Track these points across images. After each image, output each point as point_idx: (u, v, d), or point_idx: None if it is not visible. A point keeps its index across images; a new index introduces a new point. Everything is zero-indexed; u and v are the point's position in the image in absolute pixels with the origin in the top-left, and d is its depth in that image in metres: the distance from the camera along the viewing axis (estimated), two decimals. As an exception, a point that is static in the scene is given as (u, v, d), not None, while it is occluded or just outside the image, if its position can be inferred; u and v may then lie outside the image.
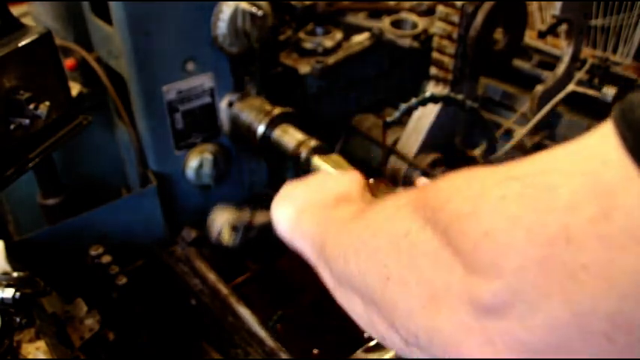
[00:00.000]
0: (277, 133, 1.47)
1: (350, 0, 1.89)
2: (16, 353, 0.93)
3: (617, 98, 1.68)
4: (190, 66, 1.44)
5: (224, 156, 1.61)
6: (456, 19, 1.53)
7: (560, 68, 1.70)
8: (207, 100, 1.52)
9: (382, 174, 1.72)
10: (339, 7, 1.85)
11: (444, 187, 0.46)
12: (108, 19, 1.38)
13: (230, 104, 1.56)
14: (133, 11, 1.29)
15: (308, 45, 1.75)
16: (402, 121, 1.63)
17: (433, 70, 1.66)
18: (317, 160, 1.30)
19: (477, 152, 1.75)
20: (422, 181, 1.02)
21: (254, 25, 1.41)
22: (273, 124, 1.48)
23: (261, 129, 1.47)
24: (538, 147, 1.79)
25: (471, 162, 1.68)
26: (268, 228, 0.90)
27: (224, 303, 1.39)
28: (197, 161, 1.55)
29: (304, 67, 1.69)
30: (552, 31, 1.64)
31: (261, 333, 1.27)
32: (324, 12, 1.82)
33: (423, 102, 1.46)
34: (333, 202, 0.74)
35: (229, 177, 1.67)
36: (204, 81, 1.49)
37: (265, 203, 0.85)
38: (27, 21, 1.26)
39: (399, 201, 0.52)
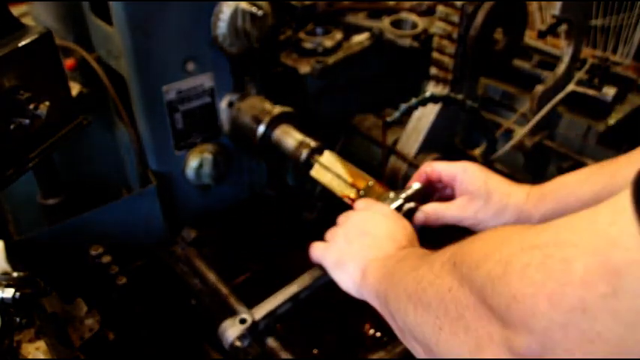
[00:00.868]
0: (277, 134, 1.48)
1: (350, 0, 1.89)
2: (16, 353, 0.93)
3: (617, 98, 1.69)
4: (190, 66, 1.44)
5: (224, 156, 1.61)
6: (456, 19, 1.53)
7: (560, 68, 1.70)
8: (207, 100, 1.52)
9: (382, 174, 1.72)
10: (339, 7, 1.86)
11: (477, 246, 0.55)
12: (108, 19, 1.38)
13: (230, 104, 1.56)
14: (133, 11, 1.29)
15: (308, 45, 1.75)
16: (402, 121, 1.63)
17: (433, 70, 1.66)
18: (317, 164, 1.30)
19: (477, 152, 1.75)
20: (415, 186, 1.03)
21: (254, 25, 1.41)
22: (273, 124, 1.48)
23: (261, 129, 1.47)
24: (538, 147, 1.79)
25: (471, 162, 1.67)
26: (272, 314, 0.97)
27: (224, 303, 1.39)
28: (197, 161, 1.55)
29: (304, 67, 1.69)
30: (552, 31, 1.64)
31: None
32: (324, 12, 1.82)
33: (423, 102, 1.46)
34: (390, 256, 0.81)
35: (229, 177, 1.67)
36: (204, 81, 1.49)
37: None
38: (27, 21, 1.26)
39: (442, 256, 0.61)
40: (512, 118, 1.85)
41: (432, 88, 1.68)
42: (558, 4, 1.55)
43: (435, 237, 1.04)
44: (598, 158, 1.63)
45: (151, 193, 1.49)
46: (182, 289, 1.51)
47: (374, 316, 0.86)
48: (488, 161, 1.70)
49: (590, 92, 1.68)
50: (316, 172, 1.29)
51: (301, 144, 1.39)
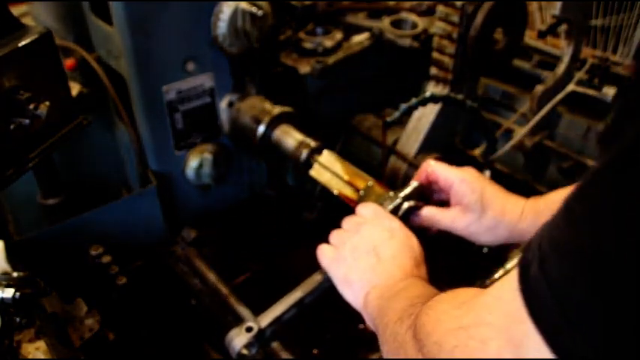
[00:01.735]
0: (277, 134, 1.48)
1: (350, 0, 1.89)
2: (16, 353, 0.93)
3: (617, 98, 1.68)
4: (190, 66, 1.44)
5: (224, 156, 1.61)
6: (456, 19, 1.52)
7: (560, 68, 1.70)
8: (207, 100, 1.52)
9: (382, 174, 1.72)
10: (339, 7, 1.86)
11: (426, 322, 0.64)
12: (108, 19, 1.38)
13: (230, 104, 1.56)
14: (133, 11, 1.29)
15: (308, 45, 1.75)
16: (402, 121, 1.63)
17: (433, 70, 1.66)
18: (316, 164, 1.30)
19: (477, 152, 1.75)
20: (413, 184, 1.03)
21: (254, 25, 1.41)
22: (273, 124, 1.48)
23: (261, 129, 1.48)
24: (538, 147, 1.79)
25: (471, 162, 1.68)
26: (277, 321, 0.98)
27: (224, 303, 1.39)
28: (197, 161, 1.55)
29: (304, 67, 1.69)
30: (552, 31, 1.64)
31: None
32: (324, 12, 1.82)
33: (423, 102, 1.46)
34: (389, 287, 0.85)
35: (229, 177, 1.67)
36: (204, 81, 1.49)
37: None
38: (27, 21, 1.26)
39: (409, 320, 0.69)
40: (512, 118, 1.85)
41: (432, 88, 1.68)
42: (558, 4, 1.55)
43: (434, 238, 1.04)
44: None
45: (151, 193, 1.49)
46: (182, 289, 1.51)
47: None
48: (488, 161, 1.70)
49: (590, 92, 1.68)
50: (316, 172, 1.29)
51: (301, 144, 1.39)
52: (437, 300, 0.67)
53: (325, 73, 1.67)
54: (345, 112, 1.92)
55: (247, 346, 0.95)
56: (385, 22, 1.79)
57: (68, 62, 1.56)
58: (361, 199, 1.13)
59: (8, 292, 0.90)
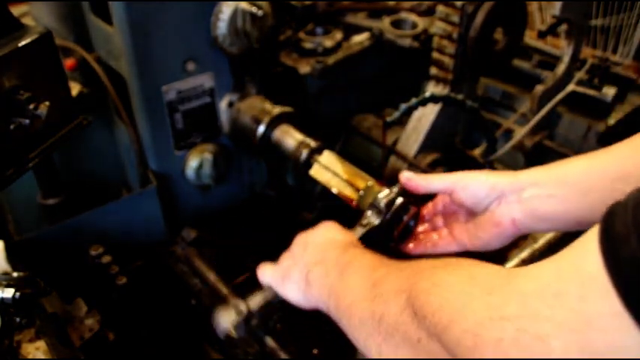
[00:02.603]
0: (277, 134, 1.47)
1: (350, 0, 1.89)
2: (16, 353, 0.93)
3: (617, 98, 1.69)
4: (190, 66, 1.44)
5: (224, 156, 1.61)
6: (456, 19, 1.53)
7: (560, 68, 1.70)
8: (207, 100, 1.52)
9: (382, 174, 1.72)
10: (339, 7, 1.86)
11: (437, 301, 0.55)
12: (108, 19, 1.38)
13: (230, 104, 1.56)
14: (133, 11, 1.29)
15: (308, 45, 1.75)
16: (402, 121, 1.63)
17: (433, 70, 1.66)
18: (316, 164, 1.30)
19: (477, 152, 1.75)
20: (405, 174, 1.01)
21: (254, 25, 1.41)
22: (273, 124, 1.48)
23: (261, 129, 1.47)
24: (538, 147, 1.79)
25: (471, 162, 1.68)
26: (268, 306, 0.96)
27: (224, 303, 1.39)
28: (197, 161, 1.55)
29: (304, 67, 1.69)
30: (552, 31, 1.64)
31: (261, 333, 1.27)
32: (324, 12, 1.82)
33: (423, 102, 1.46)
34: (333, 262, 0.81)
35: (229, 177, 1.67)
36: (204, 81, 1.49)
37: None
38: (27, 21, 1.26)
39: (398, 299, 0.62)
40: (512, 118, 1.85)
41: (432, 88, 1.68)
42: (558, 4, 1.55)
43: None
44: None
45: (151, 193, 1.49)
46: (182, 289, 1.51)
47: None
48: (488, 161, 1.70)
49: (590, 92, 1.68)
50: (316, 172, 1.29)
51: (301, 144, 1.39)
52: (443, 278, 0.59)
53: (325, 73, 1.67)
54: (345, 112, 1.92)
55: (235, 326, 0.94)
56: (385, 22, 1.79)
57: (68, 62, 1.56)
58: (361, 199, 1.12)
59: (8, 292, 0.90)
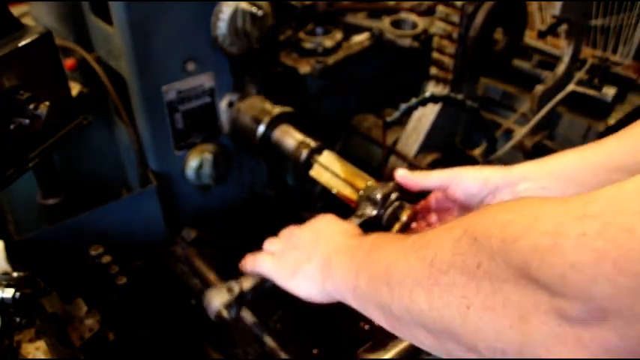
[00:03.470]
0: (277, 134, 1.47)
1: (350, 0, 1.89)
2: (16, 353, 0.93)
3: (617, 98, 1.69)
4: (190, 66, 1.44)
5: (224, 156, 1.61)
6: (456, 19, 1.53)
7: (560, 68, 1.70)
8: (207, 100, 1.52)
9: (382, 174, 1.72)
10: (339, 7, 1.86)
11: (505, 219, 0.50)
12: (108, 19, 1.38)
13: (230, 104, 1.56)
14: (133, 11, 1.29)
15: (308, 45, 1.75)
16: (402, 121, 1.63)
17: (433, 70, 1.66)
18: (316, 164, 1.30)
19: (477, 152, 1.76)
20: (400, 173, 1.02)
21: (254, 25, 1.41)
22: (273, 124, 1.48)
23: (261, 129, 1.47)
24: (538, 147, 1.79)
25: (471, 162, 1.68)
26: (260, 286, 0.91)
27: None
28: (197, 161, 1.55)
29: (304, 67, 1.69)
30: (552, 31, 1.64)
31: (261, 333, 1.27)
32: (324, 12, 1.82)
33: (423, 102, 1.46)
34: (354, 247, 0.76)
35: (229, 177, 1.67)
36: (204, 81, 1.49)
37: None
38: (27, 21, 1.26)
39: (451, 233, 0.55)
40: (512, 118, 1.85)
41: (432, 88, 1.68)
42: (558, 4, 1.55)
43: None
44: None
45: (151, 193, 1.49)
46: (182, 289, 1.51)
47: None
48: (488, 161, 1.70)
49: (590, 92, 1.68)
50: (316, 172, 1.29)
51: (301, 144, 1.39)
52: (497, 206, 0.54)
53: (325, 73, 1.67)
54: (345, 112, 1.92)
55: (227, 306, 0.89)
56: (385, 22, 1.79)
57: (68, 62, 1.56)
58: (361, 200, 1.13)
59: (8, 292, 0.90)
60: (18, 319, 0.94)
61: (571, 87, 1.69)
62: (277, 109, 1.50)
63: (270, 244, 0.94)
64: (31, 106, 1.04)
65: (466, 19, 1.51)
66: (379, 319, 0.66)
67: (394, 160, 1.72)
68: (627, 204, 0.42)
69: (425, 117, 1.68)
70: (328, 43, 1.74)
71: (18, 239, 1.33)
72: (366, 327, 1.50)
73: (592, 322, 0.42)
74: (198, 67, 1.45)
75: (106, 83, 1.50)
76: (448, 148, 1.77)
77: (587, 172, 0.79)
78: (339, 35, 1.78)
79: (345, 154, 1.34)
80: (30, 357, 0.93)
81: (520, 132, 1.72)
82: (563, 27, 1.65)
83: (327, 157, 1.30)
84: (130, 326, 1.36)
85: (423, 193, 1.04)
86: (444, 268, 0.54)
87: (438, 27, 1.59)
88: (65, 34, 1.57)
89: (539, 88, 1.68)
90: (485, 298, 0.50)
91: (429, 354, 0.63)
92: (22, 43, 1.05)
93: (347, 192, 1.18)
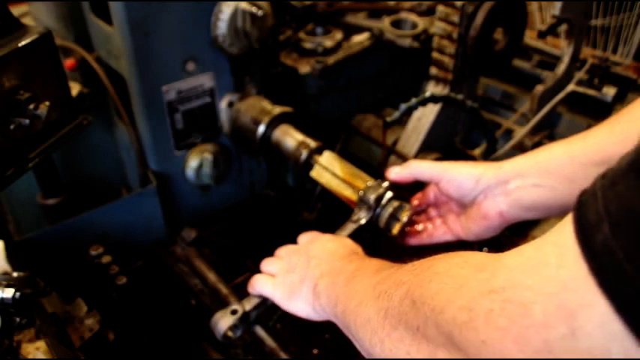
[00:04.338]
0: (277, 134, 1.47)
1: (350, 0, 1.89)
2: (16, 353, 0.93)
3: (617, 98, 1.69)
4: (190, 66, 1.44)
5: (224, 156, 1.61)
6: (456, 19, 1.53)
7: (560, 68, 1.70)
8: (207, 100, 1.52)
9: (382, 174, 1.72)
10: (339, 7, 1.85)
11: (435, 288, 0.57)
12: (108, 19, 1.38)
13: (230, 104, 1.56)
14: (133, 11, 1.29)
15: (308, 45, 1.75)
16: (402, 121, 1.63)
17: (433, 70, 1.66)
18: (317, 164, 1.30)
19: (477, 152, 1.75)
20: (393, 172, 1.03)
21: (254, 25, 1.41)
22: (273, 124, 1.48)
23: (261, 129, 1.47)
24: (538, 147, 1.79)
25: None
26: (261, 305, 0.99)
27: (224, 303, 1.39)
28: (197, 161, 1.55)
29: (304, 67, 1.69)
30: (552, 31, 1.64)
31: (261, 333, 1.27)
32: (324, 12, 1.82)
33: (423, 102, 1.46)
34: (338, 272, 0.82)
35: (229, 177, 1.67)
36: (204, 81, 1.49)
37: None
38: (27, 21, 1.26)
39: (400, 290, 0.63)
40: (512, 118, 1.85)
41: (432, 88, 1.68)
42: (558, 4, 1.55)
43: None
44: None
45: (150, 193, 1.49)
46: (182, 289, 1.51)
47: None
48: (488, 161, 1.70)
49: (590, 92, 1.68)
50: (316, 173, 1.29)
51: (301, 144, 1.39)
52: (440, 266, 0.61)
53: (325, 73, 1.67)
54: (345, 112, 1.92)
55: (232, 328, 0.97)
56: (385, 22, 1.79)
57: (68, 62, 1.56)
58: (358, 201, 1.13)
59: (8, 292, 0.90)
60: (18, 319, 0.94)
61: (571, 87, 1.69)
62: (277, 109, 1.50)
63: (268, 264, 1.00)
64: (31, 106, 1.04)
65: (466, 19, 1.51)
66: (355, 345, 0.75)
67: (394, 160, 1.72)
68: (523, 277, 0.48)
69: (425, 117, 1.68)
70: (328, 43, 1.74)
71: (18, 239, 1.33)
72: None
73: None
74: (198, 67, 1.45)
75: (106, 83, 1.50)
76: (448, 148, 1.77)
77: (577, 167, 0.81)
78: (339, 35, 1.78)
79: (345, 154, 1.34)
80: (30, 357, 0.93)
81: (520, 132, 1.72)
82: (563, 27, 1.65)
83: (327, 158, 1.30)
84: (130, 326, 1.36)
85: (419, 187, 1.05)
86: (394, 322, 0.63)
87: (438, 27, 1.59)
88: (65, 34, 1.57)
89: (539, 88, 1.68)
90: (424, 357, 0.57)
91: None
92: (22, 43, 1.05)
93: (347, 193, 1.18)
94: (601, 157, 0.77)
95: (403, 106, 1.46)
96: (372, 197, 1.05)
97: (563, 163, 0.83)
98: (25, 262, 1.11)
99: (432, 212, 1.06)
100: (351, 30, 1.84)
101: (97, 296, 1.29)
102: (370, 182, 1.17)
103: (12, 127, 1.03)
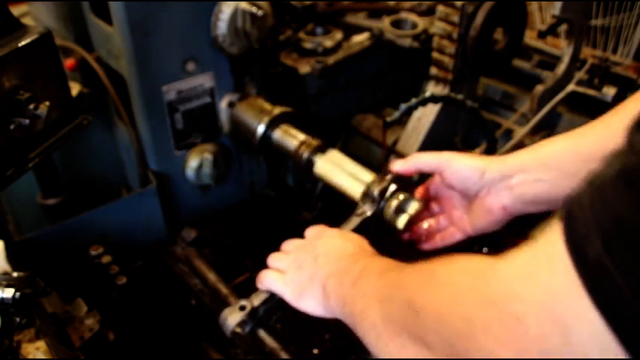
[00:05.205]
0: (278, 133, 1.47)
1: (350, 0, 1.89)
2: (16, 353, 0.93)
3: (617, 98, 1.68)
4: (190, 66, 1.44)
5: (224, 156, 1.61)
6: (456, 19, 1.53)
7: (560, 68, 1.70)
8: (207, 100, 1.52)
9: (383, 173, 1.72)
10: (339, 7, 1.86)
11: (436, 299, 0.59)
12: (108, 19, 1.38)
13: (230, 104, 1.56)
14: (133, 11, 1.29)
15: (308, 45, 1.75)
16: (402, 121, 1.63)
17: (433, 70, 1.66)
18: (320, 162, 1.30)
19: (477, 152, 1.75)
20: (397, 164, 1.03)
21: (254, 25, 1.41)
22: (273, 124, 1.48)
23: (261, 129, 1.47)
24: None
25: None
26: (269, 301, 0.98)
27: (224, 303, 1.39)
28: (197, 161, 1.55)
29: (304, 67, 1.69)
30: (552, 31, 1.64)
31: (261, 333, 1.27)
32: (324, 12, 1.82)
33: (423, 102, 1.46)
34: (345, 272, 0.83)
35: (229, 177, 1.67)
36: (204, 81, 1.49)
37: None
38: (27, 21, 1.26)
39: (404, 294, 0.65)
40: (512, 118, 1.85)
41: (432, 88, 1.68)
42: (558, 4, 1.55)
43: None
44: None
45: (150, 193, 1.49)
46: (182, 289, 1.51)
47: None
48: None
49: (590, 92, 1.68)
50: (320, 170, 1.29)
51: (303, 143, 1.39)
52: (439, 273, 0.63)
53: (325, 73, 1.67)
54: (345, 112, 1.92)
55: (241, 324, 0.96)
56: (385, 22, 1.79)
57: (68, 62, 1.56)
58: (362, 197, 1.13)
59: (8, 292, 0.90)
60: (18, 319, 0.94)
61: (571, 87, 1.69)
62: (277, 109, 1.50)
63: (276, 260, 0.98)
64: (31, 106, 1.04)
65: (466, 19, 1.51)
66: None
67: (394, 160, 1.72)
68: (516, 287, 0.49)
69: (425, 117, 1.69)
70: (328, 43, 1.74)
71: (18, 239, 1.33)
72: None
73: None
74: (198, 67, 1.45)
75: (106, 83, 1.50)
76: (448, 148, 1.77)
77: (580, 162, 0.81)
78: (339, 35, 1.78)
79: (345, 154, 1.34)
80: (30, 357, 0.93)
81: (520, 132, 1.72)
82: (563, 27, 1.65)
83: (331, 155, 1.30)
84: (130, 326, 1.36)
85: (419, 182, 1.05)
86: (397, 329, 0.65)
87: (438, 27, 1.59)
88: (65, 34, 1.57)
89: (539, 88, 1.68)
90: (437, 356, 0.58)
91: None
92: (22, 43, 1.05)
93: (352, 188, 1.18)
94: (602, 153, 0.78)
95: (403, 106, 1.46)
96: (376, 190, 1.05)
97: (565, 158, 0.84)
98: (25, 262, 1.11)
99: (434, 207, 1.06)
100: (351, 30, 1.84)
101: (97, 296, 1.29)
102: (374, 178, 1.17)
103: (12, 127, 1.03)
